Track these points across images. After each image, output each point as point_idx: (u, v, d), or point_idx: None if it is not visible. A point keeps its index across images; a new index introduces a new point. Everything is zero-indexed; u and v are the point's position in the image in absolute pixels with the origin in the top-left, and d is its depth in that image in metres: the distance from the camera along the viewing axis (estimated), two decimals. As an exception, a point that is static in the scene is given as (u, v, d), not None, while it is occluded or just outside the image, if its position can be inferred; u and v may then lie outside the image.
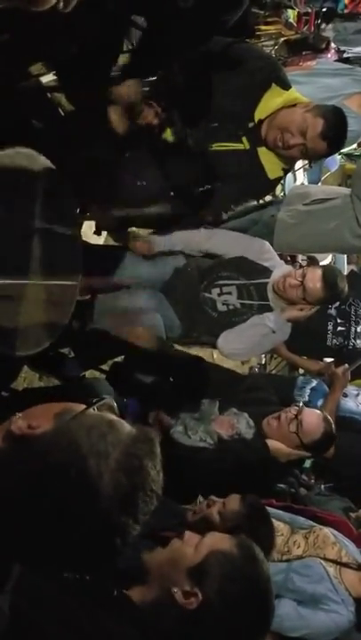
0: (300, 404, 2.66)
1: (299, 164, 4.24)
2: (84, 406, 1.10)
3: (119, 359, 2.98)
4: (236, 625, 1.38)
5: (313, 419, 2.55)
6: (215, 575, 1.40)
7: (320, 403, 3.31)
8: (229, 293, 2.63)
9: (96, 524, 0.97)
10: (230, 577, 1.40)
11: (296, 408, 2.59)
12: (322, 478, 3.52)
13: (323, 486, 3.47)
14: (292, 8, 4.52)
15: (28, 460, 0.98)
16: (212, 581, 1.39)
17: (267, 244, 2.74)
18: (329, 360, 3.65)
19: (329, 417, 2.66)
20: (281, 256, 3.07)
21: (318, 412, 2.67)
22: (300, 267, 3.81)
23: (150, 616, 1.33)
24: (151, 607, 1.35)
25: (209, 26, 2.28)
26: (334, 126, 2.46)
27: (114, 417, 1.12)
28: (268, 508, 2.31)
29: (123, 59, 2.32)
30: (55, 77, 2.41)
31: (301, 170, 4.78)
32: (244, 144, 2.51)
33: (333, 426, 2.62)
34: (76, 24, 1.59)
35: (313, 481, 3.51)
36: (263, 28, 4.55)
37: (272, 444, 2.52)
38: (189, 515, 2.15)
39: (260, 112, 2.47)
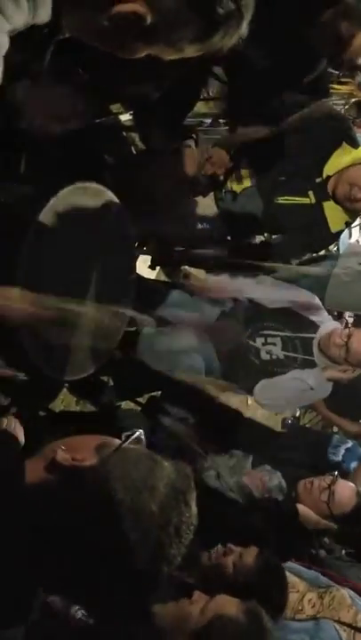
0: (336, 474, 2.61)
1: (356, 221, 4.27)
2: (118, 440, 1.13)
3: (156, 394, 3.01)
4: None
5: (346, 492, 2.51)
6: None
7: (354, 465, 3.24)
8: (274, 344, 2.63)
9: (149, 553, 1.00)
10: None
11: (330, 478, 2.55)
12: (343, 543, 3.44)
13: (343, 551, 3.38)
14: (367, 71, 4.59)
15: (81, 492, 1.01)
16: None
17: (316, 297, 2.74)
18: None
19: None
20: (329, 311, 3.07)
21: (352, 485, 2.61)
22: (347, 323, 3.78)
23: None
24: None
25: (284, 84, 2.37)
26: None
27: (151, 452, 1.14)
28: (288, 563, 2.28)
29: (200, 106, 2.41)
30: (131, 117, 2.51)
31: (358, 227, 4.79)
32: (310, 198, 2.57)
33: None
34: (158, 69, 1.67)
35: (334, 544, 3.43)
36: (336, 87, 4.64)
37: (302, 509, 2.49)
38: (205, 557, 2.13)
39: (330, 168, 2.54)
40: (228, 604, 1.47)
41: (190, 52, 1.07)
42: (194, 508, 1.06)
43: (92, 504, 1.00)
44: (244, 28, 1.04)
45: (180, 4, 0.98)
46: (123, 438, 1.14)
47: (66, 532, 0.99)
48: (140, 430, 1.21)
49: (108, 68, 1.82)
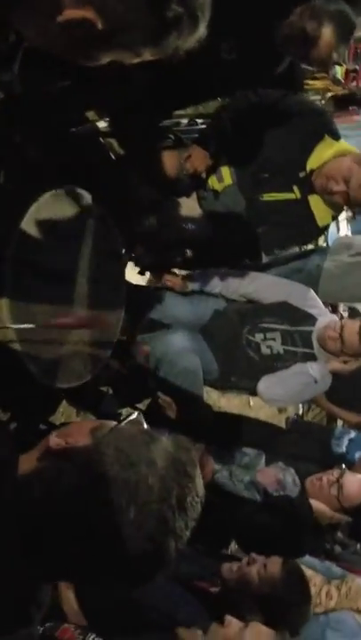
0: (343, 467, 2.61)
1: (342, 214, 4.28)
2: (115, 423, 1.11)
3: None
4: None
5: (354, 484, 2.52)
6: None
7: (358, 455, 3.24)
8: (273, 339, 2.60)
9: (152, 528, 0.97)
10: None
11: (338, 471, 2.57)
12: (357, 537, 3.43)
13: (359, 545, 3.38)
14: (341, 65, 4.64)
15: (74, 473, 0.99)
16: None
17: (311, 290, 2.72)
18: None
19: None
20: (324, 304, 3.06)
21: (360, 476, 2.62)
22: (342, 316, 3.77)
23: None
24: None
25: (251, 77, 2.38)
26: None
27: (148, 429, 1.12)
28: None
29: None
30: (108, 124, 2.52)
31: (345, 221, 4.81)
32: (296, 193, 2.57)
33: None
34: (131, 75, 1.67)
35: (348, 539, 3.42)
36: (311, 82, 4.67)
37: (316, 505, 2.50)
38: (226, 569, 2.12)
39: (313, 162, 2.53)
40: (265, 637, 1.48)
41: (148, 55, 1.08)
42: (198, 480, 1.03)
43: (86, 483, 0.97)
44: (201, 30, 1.04)
45: (128, 8, 0.98)
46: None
47: (62, 516, 0.96)
48: (138, 412, 1.19)
49: (78, 75, 1.82)
